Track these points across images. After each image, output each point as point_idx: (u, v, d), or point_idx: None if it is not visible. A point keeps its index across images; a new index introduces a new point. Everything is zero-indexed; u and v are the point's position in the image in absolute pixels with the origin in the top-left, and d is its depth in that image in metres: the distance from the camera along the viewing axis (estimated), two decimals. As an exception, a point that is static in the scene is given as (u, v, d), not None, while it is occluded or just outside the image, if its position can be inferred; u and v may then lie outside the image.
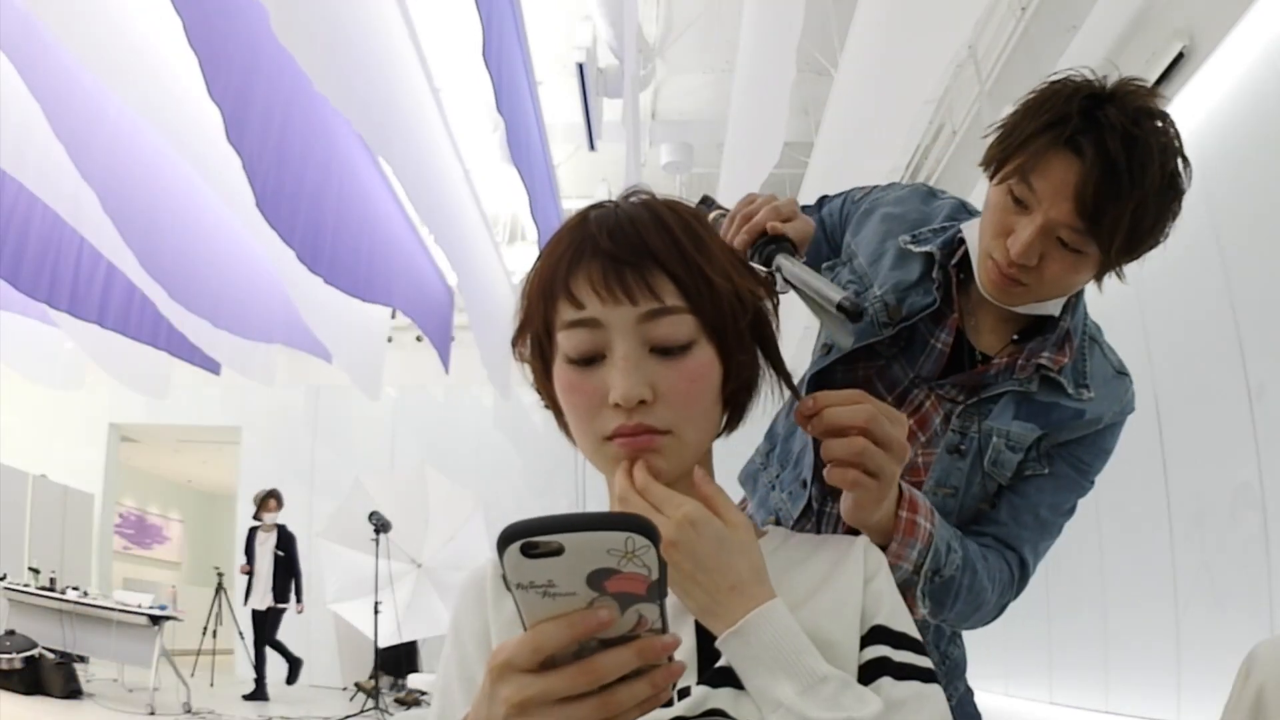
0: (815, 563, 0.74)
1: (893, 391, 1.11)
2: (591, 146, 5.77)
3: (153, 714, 6.08)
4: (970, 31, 4.36)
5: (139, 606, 6.70)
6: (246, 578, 7.71)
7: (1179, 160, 0.94)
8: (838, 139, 5.05)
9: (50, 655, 6.35)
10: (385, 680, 8.03)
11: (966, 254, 1.09)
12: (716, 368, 0.71)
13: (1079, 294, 1.09)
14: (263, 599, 7.64)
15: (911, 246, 1.11)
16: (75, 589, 7.01)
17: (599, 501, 0.69)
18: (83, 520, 9.80)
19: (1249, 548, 3.24)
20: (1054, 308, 1.06)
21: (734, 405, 0.76)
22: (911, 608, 0.95)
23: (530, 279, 0.73)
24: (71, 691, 6.34)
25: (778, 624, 0.64)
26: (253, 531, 7.81)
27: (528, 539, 0.48)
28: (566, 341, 0.70)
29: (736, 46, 5.27)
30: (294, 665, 7.79)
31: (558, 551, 0.48)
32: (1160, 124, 0.94)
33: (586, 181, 7.38)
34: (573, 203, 6.66)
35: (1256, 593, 3.19)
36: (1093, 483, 1.12)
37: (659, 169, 6.80)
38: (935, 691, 0.68)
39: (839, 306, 0.83)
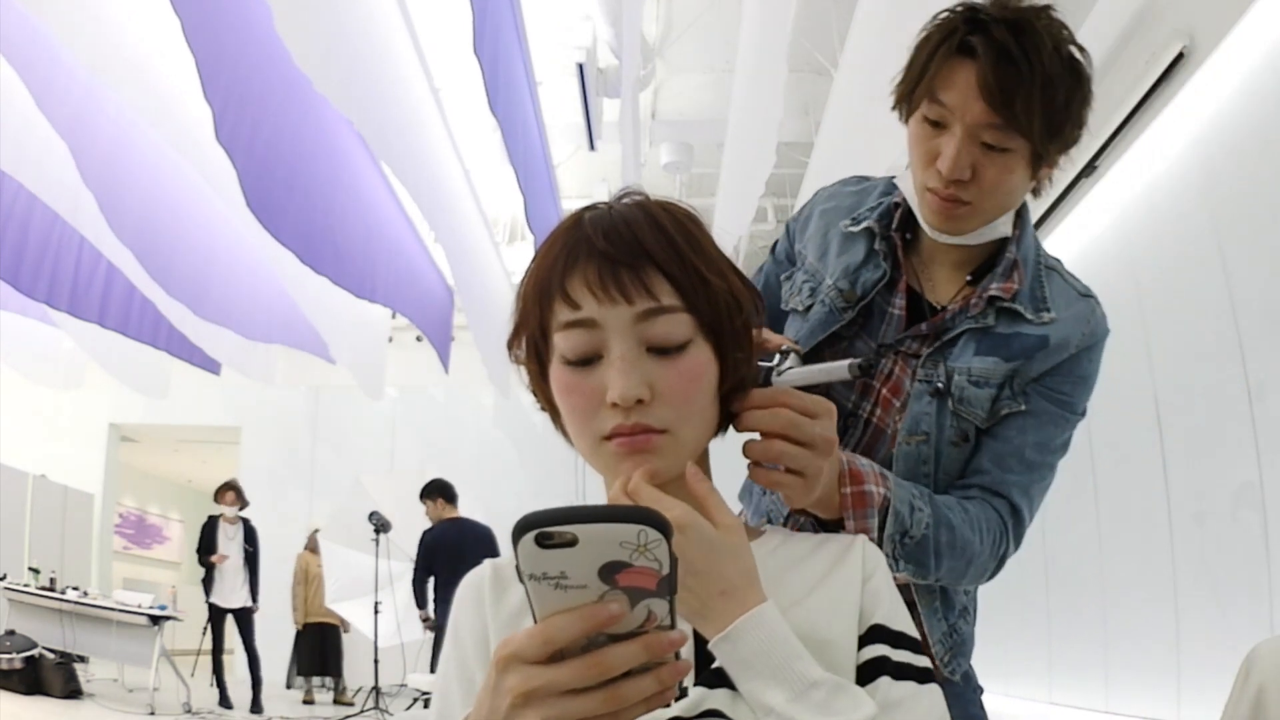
0: (814, 562, 0.74)
1: None
2: (591, 146, 5.77)
3: (153, 714, 6.08)
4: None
5: (139, 606, 6.70)
6: (207, 569, 7.17)
7: (1074, 46, 0.97)
8: (838, 139, 5.05)
9: (50, 655, 6.35)
10: (316, 681, 8.04)
11: (907, 215, 1.11)
12: (713, 367, 0.71)
13: (1024, 222, 1.09)
14: (233, 597, 7.12)
15: (852, 228, 1.15)
16: (75, 589, 7.01)
17: (598, 501, 0.69)
18: (83, 520, 9.81)
19: (1249, 548, 3.24)
20: (1004, 228, 1.07)
21: (731, 404, 0.77)
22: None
23: (525, 281, 0.74)
24: (71, 691, 6.35)
25: (767, 629, 0.64)
26: (214, 521, 7.22)
27: (543, 529, 0.48)
28: (563, 342, 0.70)
29: (736, 46, 5.27)
30: (257, 684, 7.06)
31: (571, 543, 0.48)
32: (1042, 12, 0.97)
33: (586, 181, 7.37)
34: (572, 202, 6.65)
35: (1256, 593, 3.19)
36: (1079, 413, 1.09)
37: (659, 169, 6.79)
38: (932, 691, 0.67)
39: (855, 376, 0.92)
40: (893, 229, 1.11)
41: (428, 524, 6.11)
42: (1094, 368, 1.09)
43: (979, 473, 1.07)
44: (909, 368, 1.09)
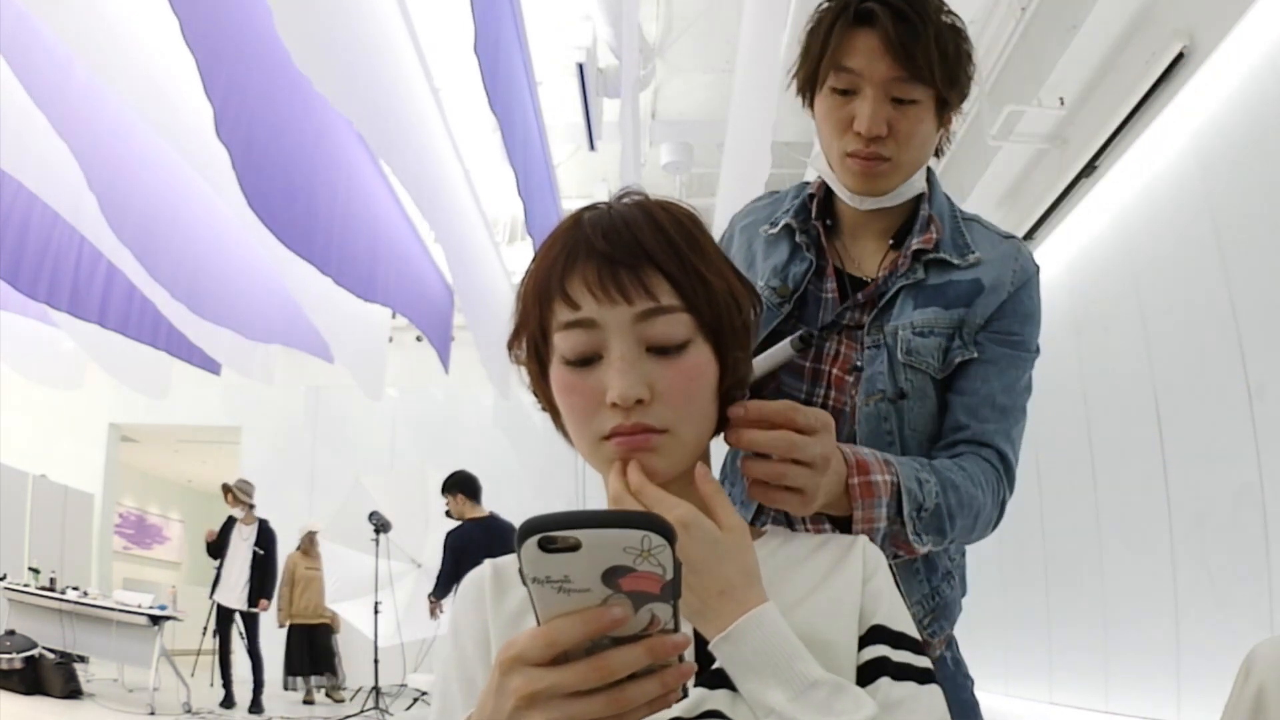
0: (815, 562, 0.74)
1: (806, 356, 1.14)
2: (591, 146, 5.77)
3: (153, 714, 6.08)
4: (970, 31, 4.36)
5: (139, 606, 6.71)
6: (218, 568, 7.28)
7: (948, 11, 1.07)
8: (838, 139, 5.04)
9: (50, 655, 6.35)
10: (315, 681, 8.04)
11: (823, 202, 1.18)
12: (713, 366, 0.72)
13: (933, 182, 1.15)
14: (235, 598, 7.17)
15: (771, 230, 1.21)
16: (75, 589, 7.02)
17: (598, 502, 0.69)
18: (83, 520, 9.81)
19: (1249, 548, 3.24)
20: (919, 184, 1.13)
21: (731, 403, 0.77)
22: (907, 552, 0.99)
23: (525, 281, 0.74)
24: (71, 691, 6.35)
25: (768, 629, 0.64)
26: (231, 521, 7.35)
27: (546, 534, 0.49)
28: (563, 342, 0.70)
29: (736, 47, 5.27)
30: (259, 685, 7.08)
31: (575, 547, 0.49)
32: None
33: (586, 181, 7.37)
34: (572, 202, 6.65)
35: (1256, 593, 3.19)
36: (1034, 351, 1.13)
37: (659, 169, 6.79)
38: (933, 691, 0.67)
39: (799, 349, 0.97)
40: (812, 218, 1.17)
41: (446, 521, 5.80)
42: (1034, 304, 1.13)
43: (957, 429, 1.10)
44: (855, 342, 1.12)
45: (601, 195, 0.77)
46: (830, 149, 1.11)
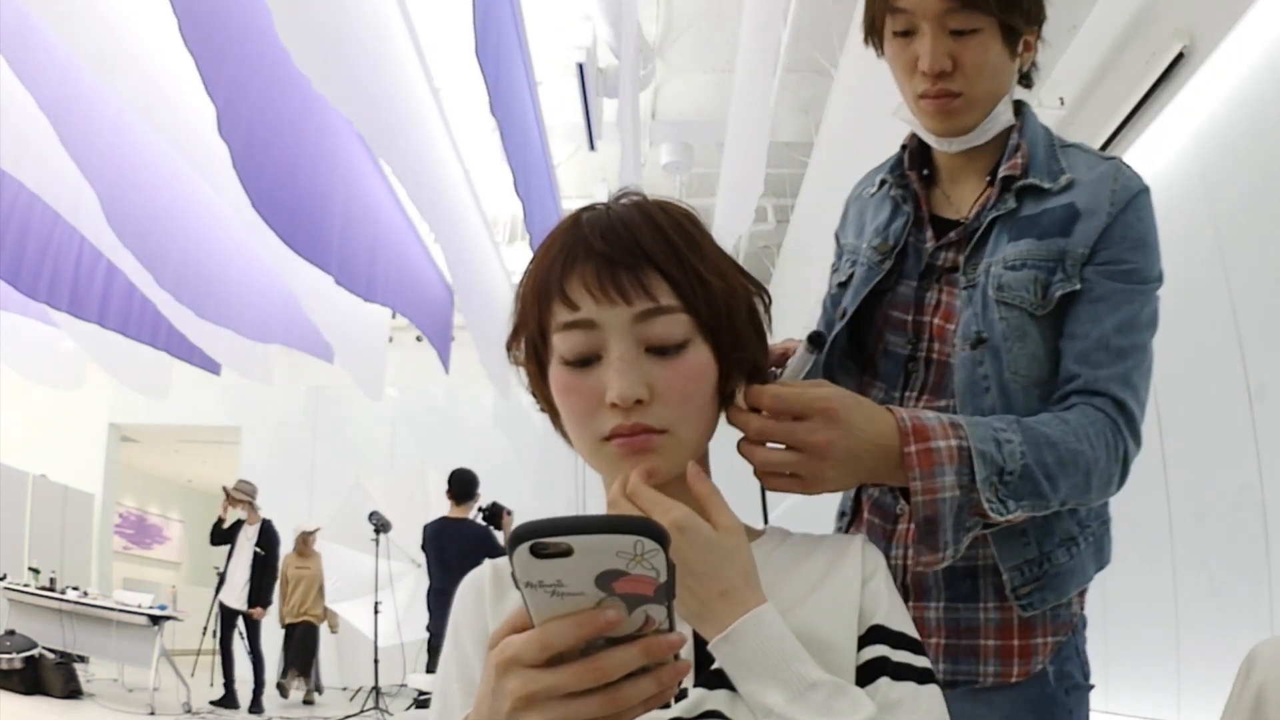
0: (812, 563, 0.74)
1: (909, 309, 1.11)
2: (591, 146, 5.78)
3: (153, 714, 6.09)
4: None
5: (139, 606, 6.71)
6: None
7: None
8: (838, 139, 5.05)
9: (50, 655, 6.35)
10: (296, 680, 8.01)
11: (916, 151, 1.14)
12: (712, 366, 0.72)
13: (1025, 114, 1.10)
14: (237, 597, 7.20)
15: (872, 191, 1.19)
16: (75, 589, 7.02)
17: (598, 501, 0.69)
18: (83, 520, 9.81)
19: (1249, 548, 3.24)
20: (1005, 118, 1.07)
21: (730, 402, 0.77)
22: (996, 523, 0.90)
23: (524, 282, 0.74)
24: (71, 691, 6.35)
25: (766, 630, 0.64)
26: (239, 523, 7.41)
27: (538, 539, 0.48)
28: (562, 343, 0.70)
29: (736, 47, 5.27)
30: (259, 686, 7.14)
31: (567, 553, 0.48)
32: None
33: (586, 181, 7.38)
34: (572, 202, 6.65)
35: (1256, 593, 3.19)
36: (1155, 279, 1.03)
37: (659, 169, 6.80)
38: (932, 691, 0.68)
39: (811, 351, 0.94)
40: (906, 168, 1.14)
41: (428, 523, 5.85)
42: (1146, 227, 1.02)
43: (1069, 379, 1.00)
44: (954, 286, 1.07)
45: (601, 195, 0.77)
46: (905, 94, 1.07)
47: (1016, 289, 1.01)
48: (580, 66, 5.12)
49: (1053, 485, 0.91)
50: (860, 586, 0.71)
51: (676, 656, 0.53)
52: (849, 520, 1.19)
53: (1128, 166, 1.05)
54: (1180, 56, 3.48)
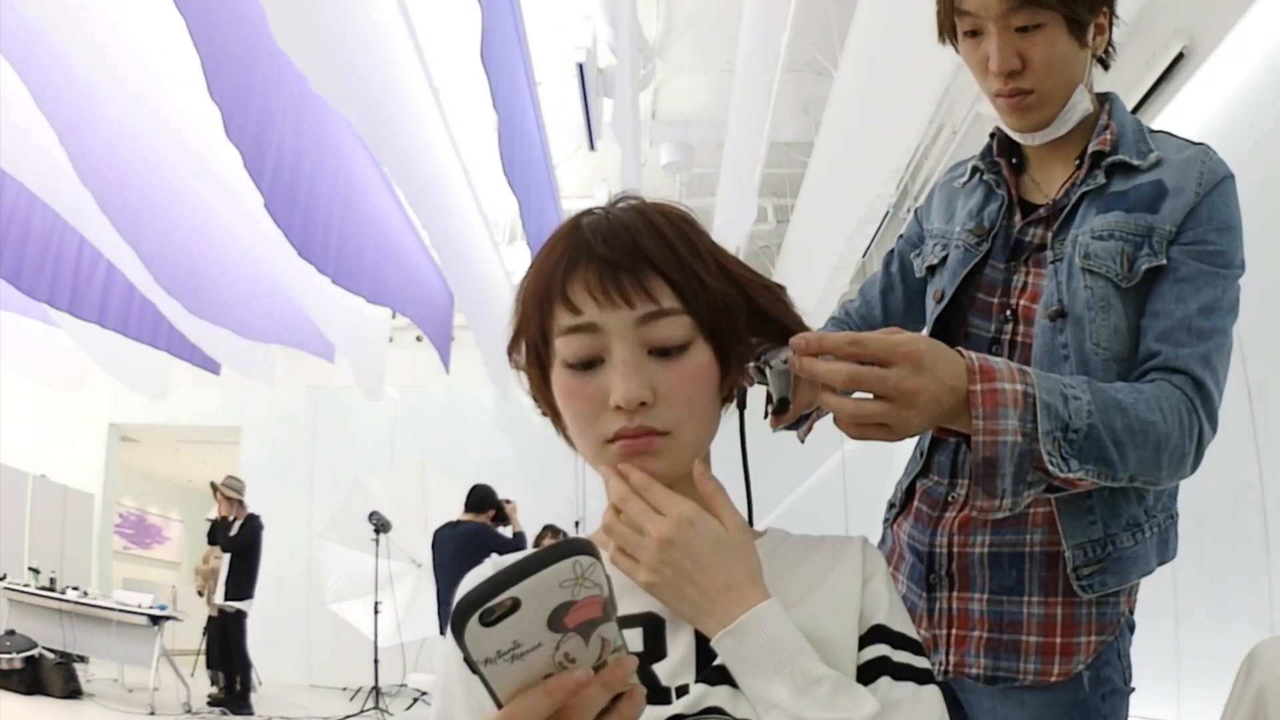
0: (812, 562, 0.74)
1: (994, 292, 1.11)
2: (591, 146, 5.77)
3: (153, 714, 6.08)
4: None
5: (139, 606, 6.70)
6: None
7: None
8: (838, 139, 5.05)
9: (50, 655, 6.35)
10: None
11: (1004, 140, 1.15)
12: (714, 367, 0.72)
13: (1113, 101, 1.12)
14: (218, 596, 7.01)
15: (964, 178, 1.21)
16: (75, 589, 7.01)
17: (598, 501, 0.68)
18: (83, 520, 9.80)
19: (1249, 548, 3.24)
20: (1084, 106, 1.08)
21: (732, 402, 0.77)
22: (1068, 484, 0.89)
23: (524, 286, 0.74)
24: (71, 691, 6.34)
25: (772, 625, 0.64)
26: (233, 521, 7.16)
27: (483, 606, 0.47)
28: (565, 347, 0.70)
29: (736, 46, 5.27)
30: (245, 685, 6.92)
31: (515, 607, 0.47)
32: None
33: (586, 182, 7.37)
34: (572, 203, 6.66)
35: (1256, 593, 3.19)
36: (1238, 266, 1.04)
37: (659, 169, 6.79)
38: (932, 692, 0.68)
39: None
40: (995, 155, 1.15)
41: (428, 523, 5.83)
42: (1231, 213, 1.04)
43: (1150, 356, 0.99)
44: (1042, 266, 1.07)
45: (601, 195, 0.77)
46: (984, 92, 1.10)
47: (1103, 258, 1.01)
48: (580, 66, 5.12)
49: (1120, 453, 0.90)
50: (861, 586, 0.72)
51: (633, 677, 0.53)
52: (897, 511, 1.19)
53: (1215, 152, 1.06)
54: (1180, 56, 3.48)
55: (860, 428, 0.81)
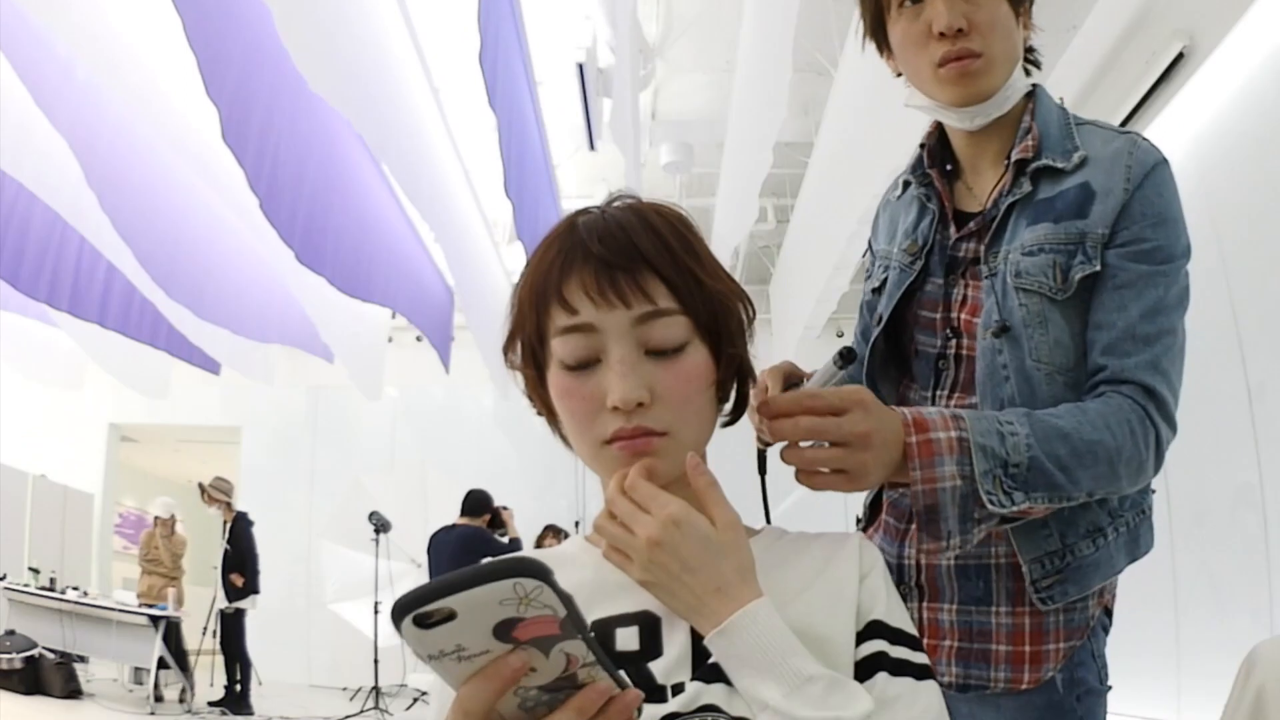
0: (808, 559, 0.74)
1: (936, 307, 1.10)
2: (591, 146, 5.77)
3: (153, 714, 6.08)
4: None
5: (139, 606, 6.70)
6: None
7: None
8: (838, 139, 5.06)
9: (50, 655, 6.34)
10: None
11: (934, 148, 1.13)
12: (710, 367, 0.72)
13: (1038, 95, 1.09)
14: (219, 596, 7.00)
15: (898, 194, 1.19)
16: (75, 589, 7.01)
17: (598, 501, 0.68)
18: (83, 520, 9.79)
19: (1249, 548, 3.24)
20: (1021, 86, 1.07)
21: (728, 402, 0.77)
22: (1022, 514, 0.90)
23: (520, 287, 0.74)
24: (71, 691, 6.34)
25: (763, 625, 0.64)
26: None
27: (417, 611, 0.47)
28: (561, 347, 0.70)
29: (736, 46, 5.27)
30: (245, 684, 6.88)
31: (451, 616, 0.47)
32: None
33: (586, 181, 7.37)
34: (572, 203, 6.65)
35: (1256, 593, 3.19)
36: (1181, 255, 1.00)
37: (659, 169, 6.79)
38: (930, 687, 0.68)
39: (839, 365, 0.90)
40: (926, 166, 1.13)
41: (428, 523, 5.86)
42: (1166, 202, 1.00)
43: (1098, 370, 0.98)
44: (979, 278, 1.06)
45: (601, 196, 0.77)
46: (920, 72, 1.05)
47: (1035, 274, 1.00)
48: (580, 66, 5.12)
49: (1069, 476, 0.90)
50: (858, 582, 0.71)
51: (624, 686, 0.53)
52: (864, 525, 1.20)
53: (1144, 140, 1.03)
54: (1180, 56, 3.48)
55: (818, 476, 0.84)
